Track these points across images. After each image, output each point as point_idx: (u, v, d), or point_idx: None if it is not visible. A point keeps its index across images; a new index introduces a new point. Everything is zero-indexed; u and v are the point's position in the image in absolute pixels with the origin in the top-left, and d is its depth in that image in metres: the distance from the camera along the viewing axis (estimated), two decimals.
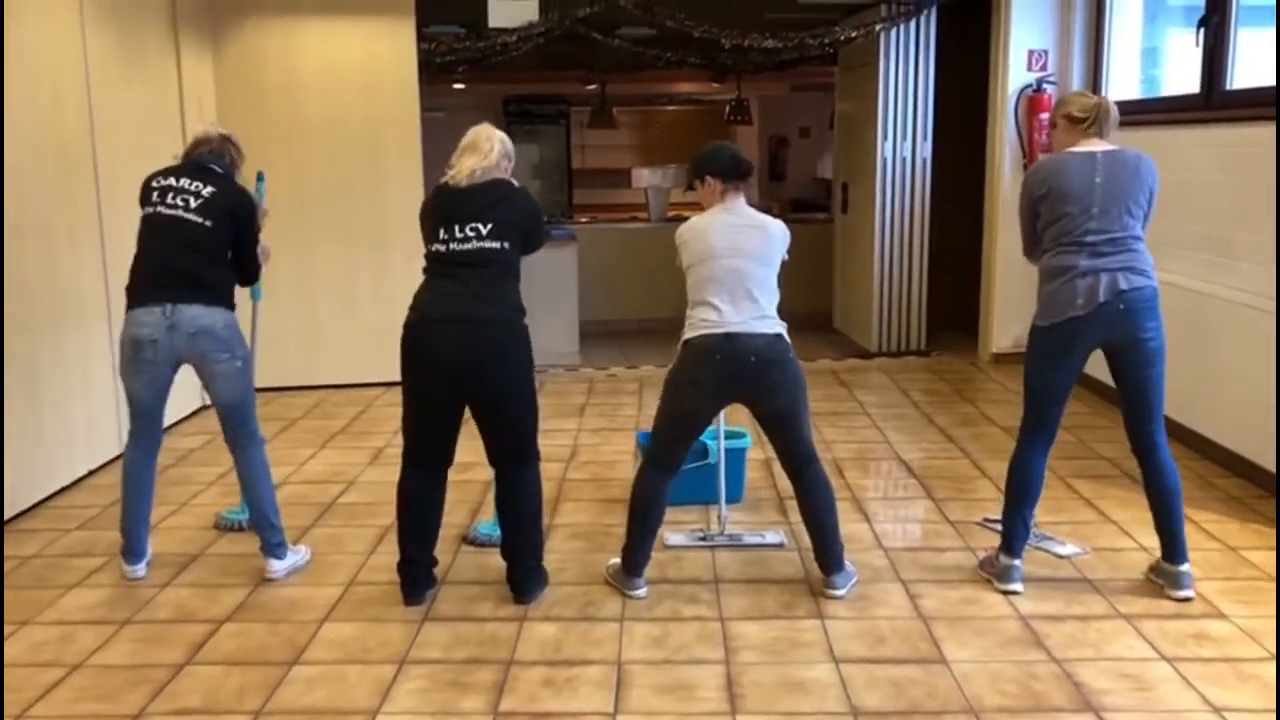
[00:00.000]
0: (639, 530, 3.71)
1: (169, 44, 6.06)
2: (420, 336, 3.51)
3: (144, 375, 3.76)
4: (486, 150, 3.57)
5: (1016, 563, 3.72)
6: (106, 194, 5.25)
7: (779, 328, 3.59)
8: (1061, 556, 4.01)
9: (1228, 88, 5.31)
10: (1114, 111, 3.61)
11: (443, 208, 3.56)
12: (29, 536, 4.36)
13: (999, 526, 4.29)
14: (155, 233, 3.75)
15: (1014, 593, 3.67)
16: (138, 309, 3.72)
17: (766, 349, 3.54)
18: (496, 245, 3.49)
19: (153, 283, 3.72)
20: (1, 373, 4.35)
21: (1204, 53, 5.41)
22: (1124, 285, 3.47)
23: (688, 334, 3.61)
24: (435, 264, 3.56)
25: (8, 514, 4.47)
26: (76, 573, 3.99)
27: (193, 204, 3.72)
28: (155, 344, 3.69)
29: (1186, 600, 3.61)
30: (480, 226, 3.48)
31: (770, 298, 3.61)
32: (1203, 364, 4.24)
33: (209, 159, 3.85)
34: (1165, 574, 3.68)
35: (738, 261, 3.56)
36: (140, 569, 3.93)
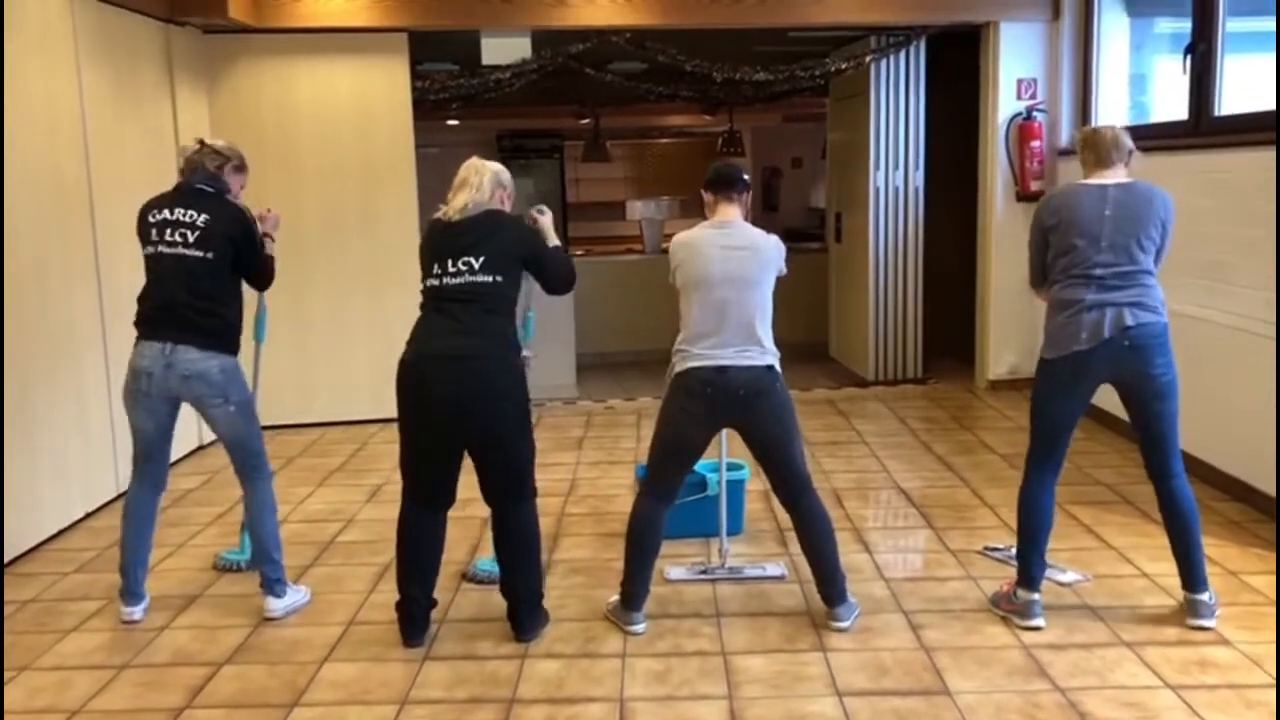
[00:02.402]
0: (636, 561, 3.70)
1: (164, 84, 6.09)
2: (414, 373, 3.52)
3: (141, 406, 3.78)
4: (477, 184, 3.57)
5: (1036, 597, 3.67)
6: (102, 235, 5.26)
7: (770, 358, 3.60)
8: (1063, 584, 3.99)
9: (1216, 114, 5.35)
10: (1115, 140, 3.58)
11: (436, 242, 3.57)
12: (26, 580, 4.33)
13: (999, 555, 4.29)
14: (159, 271, 3.76)
15: (1037, 628, 3.62)
16: (142, 342, 3.77)
17: (755, 381, 3.55)
18: (488, 279, 3.49)
19: (156, 321, 3.75)
20: None
21: (1191, 80, 5.47)
22: (1130, 321, 3.45)
23: (679, 366, 3.60)
24: (429, 299, 3.57)
25: (6, 557, 4.44)
26: (74, 617, 3.97)
27: (190, 238, 3.72)
28: (150, 376, 3.71)
29: (1204, 630, 3.58)
30: (472, 260, 3.48)
31: (764, 322, 3.61)
32: (1199, 388, 4.25)
33: (200, 179, 3.83)
34: (1186, 601, 3.66)
35: (732, 291, 3.55)
36: (137, 612, 3.90)
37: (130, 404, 3.80)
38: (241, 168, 3.97)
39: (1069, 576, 4.05)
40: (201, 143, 3.92)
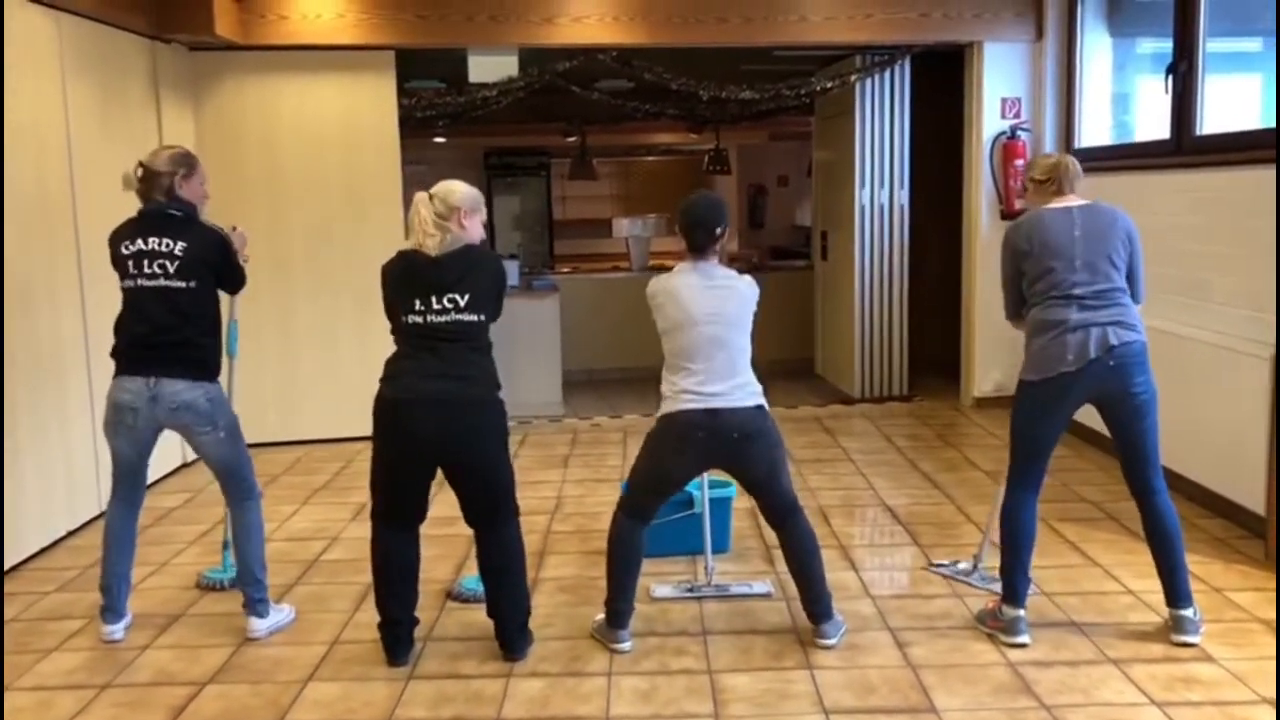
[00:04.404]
0: (619, 578, 3.70)
1: (150, 102, 6.08)
2: (396, 414, 3.47)
3: (125, 436, 3.75)
4: (430, 230, 3.43)
5: (1021, 613, 3.67)
6: (86, 252, 5.23)
7: (759, 397, 3.59)
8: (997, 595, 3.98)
9: (1197, 133, 5.40)
10: (1074, 167, 3.65)
11: (415, 277, 3.46)
12: (7, 599, 4.29)
13: (945, 571, 4.34)
14: (140, 304, 3.69)
15: (1023, 645, 3.62)
16: (122, 376, 3.70)
17: (747, 424, 3.54)
18: (474, 318, 3.45)
19: (137, 355, 3.69)
20: None
21: (1173, 99, 5.51)
22: (1114, 341, 3.48)
23: (669, 406, 3.58)
24: (412, 336, 3.48)
25: None
26: (55, 636, 3.93)
27: (170, 268, 3.65)
28: (136, 412, 3.67)
29: (1188, 646, 3.58)
30: (458, 298, 3.43)
31: (747, 360, 3.61)
32: (1181, 405, 4.29)
33: (164, 205, 3.72)
34: (1171, 618, 3.67)
35: (717, 329, 3.53)
36: (118, 630, 3.87)
37: (112, 434, 3.76)
38: (190, 172, 3.77)
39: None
40: (142, 167, 3.74)
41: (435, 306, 3.43)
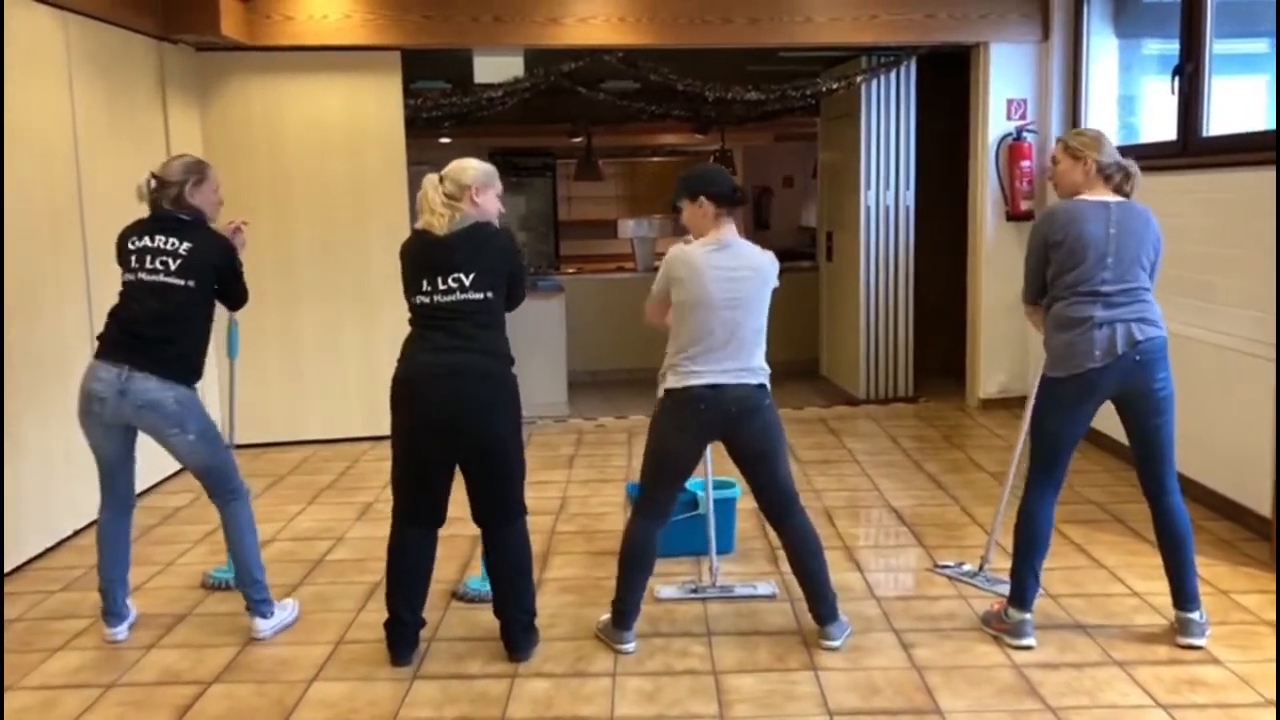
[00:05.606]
0: (629, 581, 3.69)
1: (157, 102, 6.10)
2: (408, 390, 3.50)
3: (96, 428, 3.73)
4: (440, 210, 3.46)
5: (1028, 616, 3.66)
6: (93, 252, 5.24)
7: (762, 376, 3.60)
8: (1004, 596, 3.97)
9: (1204, 135, 5.39)
10: (1138, 178, 3.64)
11: (423, 258, 3.50)
12: (12, 599, 4.30)
13: (950, 572, 4.32)
14: (137, 298, 3.70)
15: (1028, 648, 3.61)
16: (98, 361, 3.70)
17: (746, 399, 3.55)
18: (479, 296, 3.46)
19: (119, 343, 3.69)
20: None
21: (1180, 101, 5.50)
22: (1139, 336, 3.48)
23: (671, 383, 3.59)
24: (421, 317, 3.53)
25: None
26: (60, 636, 3.94)
27: (173, 266, 3.67)
28: (104, 402, 3.66)
29: (1194, 649, 3.57)
30: (463, 277, 3.44)
31: (760, 340, 3.61)
32: (1187, 408, 4.28)
33: (172, 211, 3.74)
34: (1177, 620, 3.66)
35: (735, 313, 3.53)
36: (121, 631, 3.88)
37: (85, 426, 3.74)
38: (200, 179, 3.79)
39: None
40: (154, 176, 3.76)
41: (441, 287, 3.45)
